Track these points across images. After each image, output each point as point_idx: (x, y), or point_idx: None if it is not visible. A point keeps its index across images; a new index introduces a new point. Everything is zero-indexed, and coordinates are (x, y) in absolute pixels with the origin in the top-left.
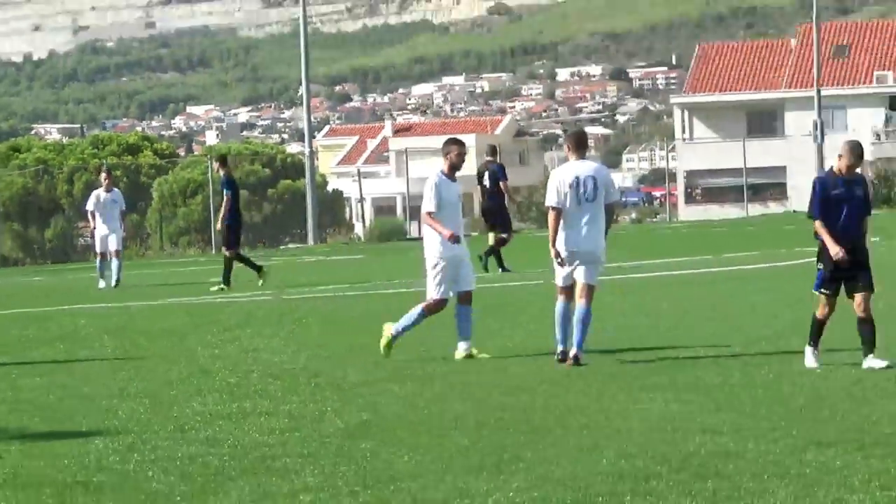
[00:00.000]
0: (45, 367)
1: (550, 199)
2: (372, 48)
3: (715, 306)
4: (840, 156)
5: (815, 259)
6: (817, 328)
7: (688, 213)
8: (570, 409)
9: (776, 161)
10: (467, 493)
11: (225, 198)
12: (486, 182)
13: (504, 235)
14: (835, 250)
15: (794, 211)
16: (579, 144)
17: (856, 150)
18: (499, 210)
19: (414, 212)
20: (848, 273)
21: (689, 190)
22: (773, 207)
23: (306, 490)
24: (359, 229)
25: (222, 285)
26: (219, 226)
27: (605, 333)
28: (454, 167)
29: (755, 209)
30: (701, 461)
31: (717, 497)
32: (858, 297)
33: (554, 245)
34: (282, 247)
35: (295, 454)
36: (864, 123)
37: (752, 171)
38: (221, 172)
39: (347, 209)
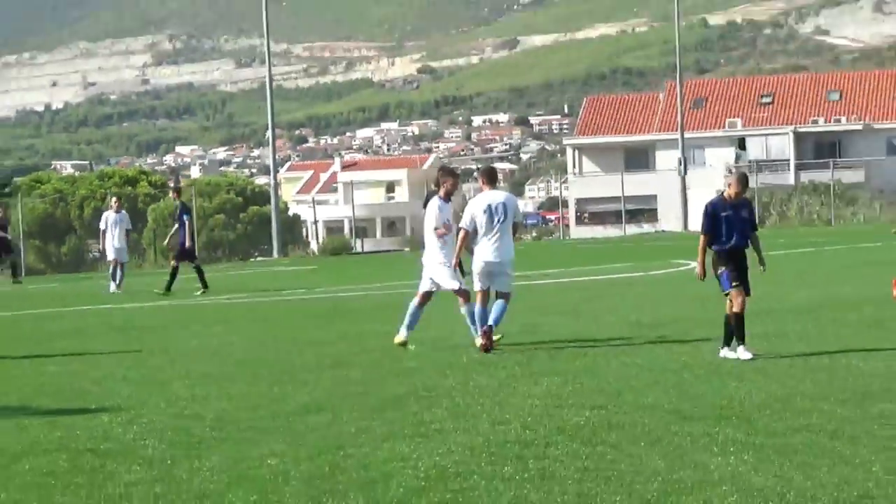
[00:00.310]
0: (62, 357)
1: (463, 222)
2: (324, 100)
3: (601, 305)
4: (729, 184)
5: (681, 267)
6: (738, 324)
7: (577, 232)
8: (484, 390)
9: (648, 191)
10: (401, 457)
11: (186, 221)
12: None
13: None
14: (698, 270)
15: (663, 230)
16: (491, 178)
17: (742, 179)
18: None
19: (359, 231)
20: (740, 273)
21: (578, 214)
22: (647, 228)
23: (273, 455)
24: (314, 245)
25: (202, 289)
26: (188, 243)
27: (513, 329)
28: (449, 193)
29: (631, 229)
30: (590, 431)
31: (603, 460)
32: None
33: (458, 257)
34: (251, 259)
35: (263, 426)
36: (718, 160)
37: (629, 199)
38: (178, 201)
39: (304, 229)
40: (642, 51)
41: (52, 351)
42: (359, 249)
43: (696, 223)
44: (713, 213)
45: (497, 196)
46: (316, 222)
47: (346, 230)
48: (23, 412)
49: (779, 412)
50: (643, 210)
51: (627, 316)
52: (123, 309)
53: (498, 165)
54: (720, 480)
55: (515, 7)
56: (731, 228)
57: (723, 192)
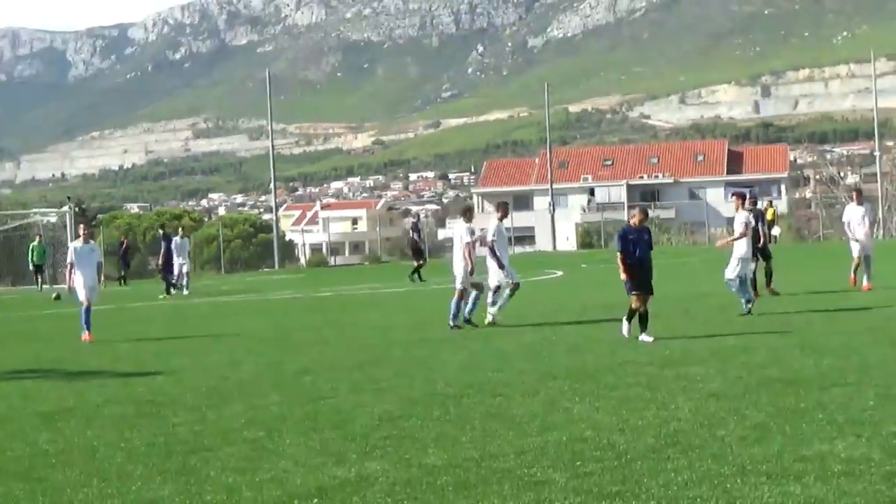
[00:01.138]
0: (131, 340)
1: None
2: (309, 162)
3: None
4: (634, 215)
5: (551, 275)
6: (632, 313)
7: (481, 251)
8: (419, 358)
9: (529, 223)
10: (361, 404)
11: (164, 245)
12: (412, 233)
13: (421, 262)
14: (623, 276)
15: (539, 250)
16: (465, 214)
17: (643, 211)
18: (420, 248)
19: (334, 250)
20: (641, 281)
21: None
22: (528, 248)
23: (274, 404)
24: (303, 260)
25: (165, 295)
26: (160, 261)
27: (446, 319)
28: (503, 217)
29: (519, 249)
30: (491, 387)
31: (500, 407)
32: (643, 296)
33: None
34: (260, 270)
35: (268, 384)
36: (577, 204)
37: (516, 229)
38: (165, 232)
39: (296, 250)
40: (524, 129)
41: (123, 333)
42: (333, 263)
43: (561, 245)
44: (625, 236)
45: (462, 227)
46: (304, 245)
47: (325, 250)
48: (104, 374)
49: (618, 374)
50: (526, 236)
51: (514, 308)
52: (170, 304)
53: (428, 208)
54: (579, 419)
55: (438, 100)
56: (637, 246)
57: (630, 221)
